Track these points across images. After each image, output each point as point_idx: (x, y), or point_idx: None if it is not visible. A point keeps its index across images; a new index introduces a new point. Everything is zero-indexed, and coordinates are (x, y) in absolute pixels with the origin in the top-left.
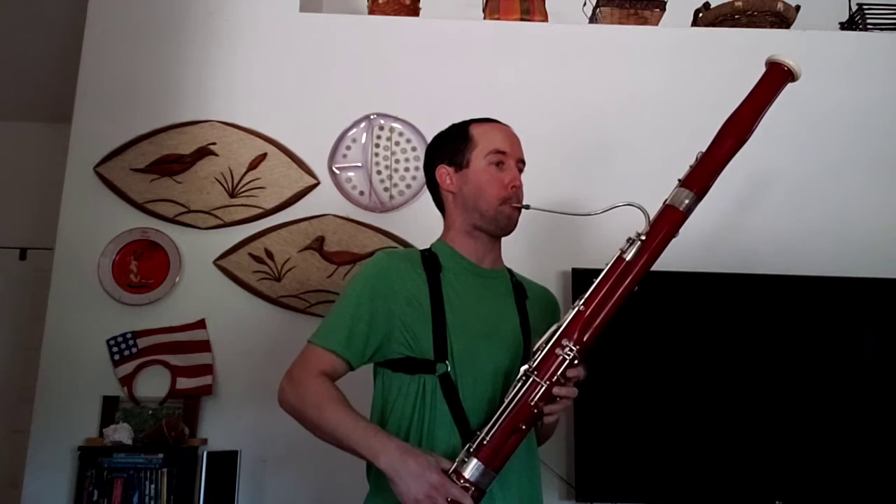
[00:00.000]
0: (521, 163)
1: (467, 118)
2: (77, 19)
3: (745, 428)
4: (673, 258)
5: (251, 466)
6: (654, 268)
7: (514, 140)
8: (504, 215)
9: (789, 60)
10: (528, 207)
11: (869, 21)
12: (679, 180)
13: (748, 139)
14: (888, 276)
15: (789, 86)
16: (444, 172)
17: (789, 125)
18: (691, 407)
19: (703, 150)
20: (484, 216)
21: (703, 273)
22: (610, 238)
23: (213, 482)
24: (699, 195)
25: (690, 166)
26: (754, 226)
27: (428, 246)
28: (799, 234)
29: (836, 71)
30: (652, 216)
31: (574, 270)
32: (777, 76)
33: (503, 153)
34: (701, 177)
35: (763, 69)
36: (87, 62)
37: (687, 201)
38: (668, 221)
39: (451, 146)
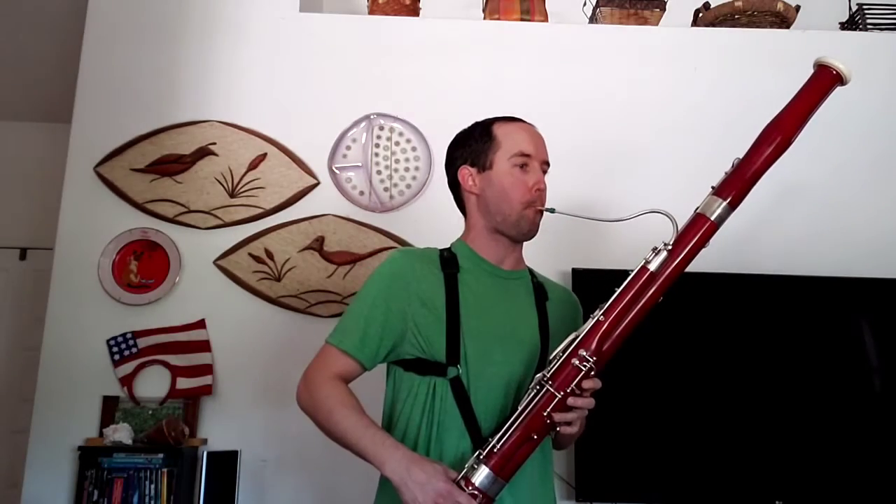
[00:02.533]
0: (545, 164)
1: (467, 118)
2: (77, 19)
3: (745, 428)
4: None
5: (251, 466)
6: None
7: (538, 141)
8: (527, 220)
9: (839, 63)
10: (552, 211)
11: (869, 21)
12: (712, 187)
13: (789, 146)
14: (890, 276)
15: (786, 86)
16: (466, 173)
17: None
18: (691, 407)
19: (740, 156)
20: (506, 220)
21: (703, 273)
22: (610, 239)
23: (213, 482)
24: (733, 205)
25: (726, 173)
26: (755, 226)
27: (435, 245)
28: (799, 234)
29: None
30: (680, 223)
31: (574, 271)
32: (825, 80)
33: (528, 156)
34: (737, 185)
35: (763, 69)
36: (87, 62)
37: (720, 211)
38: (697, 231)
39: (473, 146)
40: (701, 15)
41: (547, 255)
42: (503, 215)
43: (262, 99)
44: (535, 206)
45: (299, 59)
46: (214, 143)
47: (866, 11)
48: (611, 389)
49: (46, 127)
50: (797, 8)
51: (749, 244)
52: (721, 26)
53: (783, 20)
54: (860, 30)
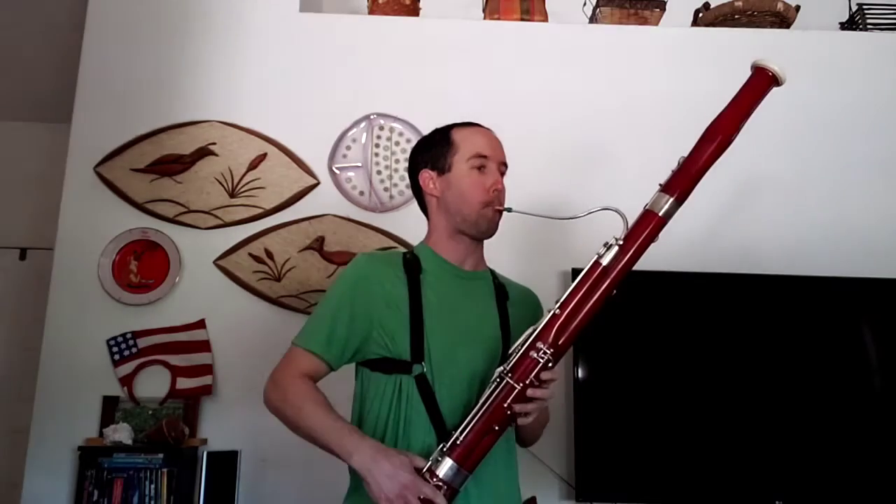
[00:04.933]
0: (503, 166)
1: (467, 118)
2: (77, 19)
3: (745, 428)
4: (672, 258)
5: (251, 466)
6: (654, 268)
7: (495, 144)
8: (486, 219)
9: (773, 65)
10: (509, 210)
11: (869, 21)
12: (660, 185)
13: (730, 144)
14: (888, 276)
15: (789, 86)
16: (427, 177)
17: (789, 125)
18: (691, 407)
19: (685, 154)
20: (466, 220)
21: (703, 273)
22: (610, 238)
23: (213, 482)
24: (679, 200)
25: (672, 171)
26: (754, 226)
27: None
28: (798, 234)
29: (836, 71)
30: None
31: (574, 270)
32: (761, 81)
33: (485, 157)
34: (682, 182)
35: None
36: (87, 62)
37: (667, 206)
38: (646, 226)
39: (433, 151)
40: (701, 15)
41: (547, 256)
42: (462, 216)
43: (262, 99)
44: (493, 205)
45: (299, 59)
46: (214, 143)
47: (866, 11)
48: (610, 389)
49: (46, 127)
50: (797, 8)
51: (749, 243)
52: (721, 26)
53: (783, 20)
54: (860, 30)
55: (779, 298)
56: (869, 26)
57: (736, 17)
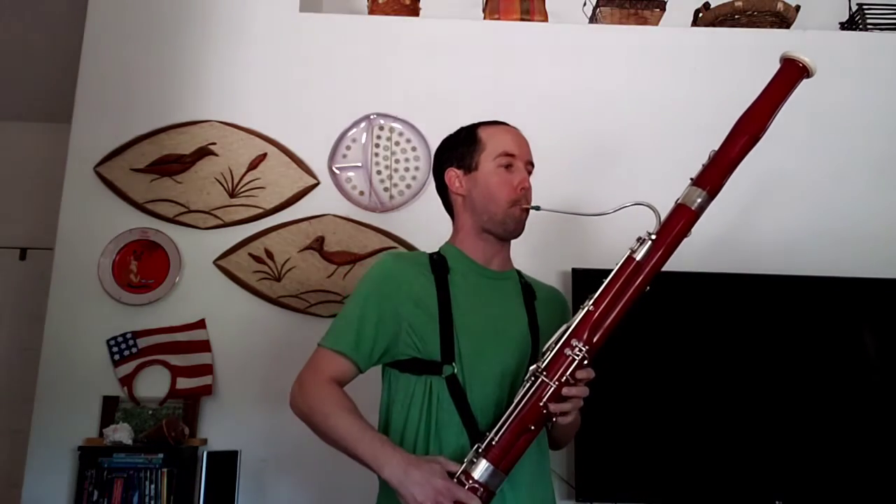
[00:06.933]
0: (529, 164)
1: (467, 118)
2: (77, 19)
3: (744, 428)
4: (674, 258)
5: (251, 466)
6: None
7: (522, 142)
8: (513, 217)
9: (804, 57)
10: (538, 209)
11: (869, 21)
12: (691, 179)
13: (762, 136)
14: (890, 276)
15: None
16: (453, 175)
17: (789, 125)
18: (691, 407)
19: (716, 148)
20: (493, 219)
21: (703, 273)
22: (610, 238)
23: (213, 482)
24: (712, 194)
25: (703, 165)
26: (755, 226)
27: (430, 246)
28: (799, 234)
29: (836, 71)
30: (662, 216)
31: (574, 271)
32: (792, 72)
33: (512, 155)
34: (714, 175)
35: (762, 69)
36: (86, 62)
37: (699, 200)
38: (679, 220)
39: (459, 149)
40: (701, 15)
41: (547, 256)
42: (489, 214)
43: (262, 99)
44: (521, 204)
45: (299, 59)
46: (214, 143)
47: (866, 11)
48: (611, 389)
49: (46, 127)
50: (797, 8)
51: (749, 244)
52: (721, 26)
53: (783, 20)
54: (860, 30)
55: (778, 298)
56: (869, 26)
57: (736, 17)
